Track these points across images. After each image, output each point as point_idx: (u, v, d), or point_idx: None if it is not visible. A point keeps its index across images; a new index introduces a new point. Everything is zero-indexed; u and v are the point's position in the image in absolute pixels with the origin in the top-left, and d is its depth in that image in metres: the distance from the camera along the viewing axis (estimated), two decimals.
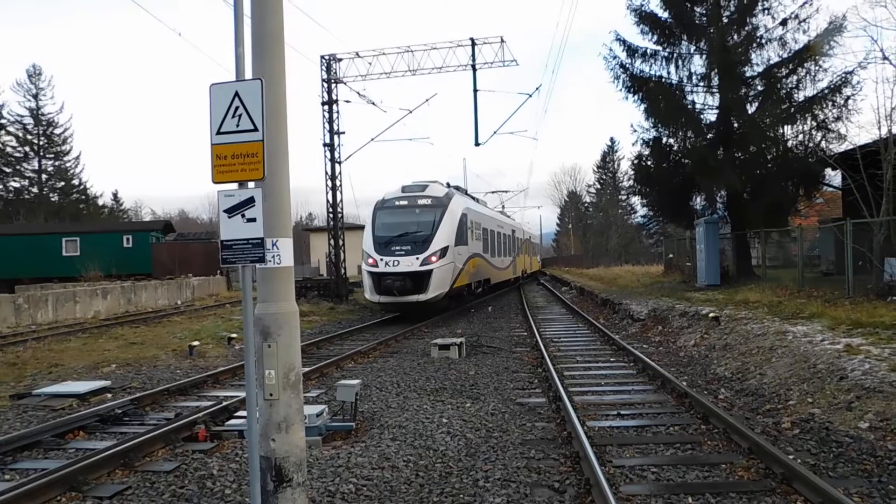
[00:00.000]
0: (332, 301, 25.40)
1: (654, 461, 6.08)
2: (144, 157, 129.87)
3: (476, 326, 18.18)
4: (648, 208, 28.29)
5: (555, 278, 46.84)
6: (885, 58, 20.74)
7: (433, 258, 19.57)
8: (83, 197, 62.40)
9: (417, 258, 19.38)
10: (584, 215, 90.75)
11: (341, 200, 26.79)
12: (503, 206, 52.95)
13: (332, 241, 26.94)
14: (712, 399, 8.31)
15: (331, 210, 26.77)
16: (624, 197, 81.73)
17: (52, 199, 60.67)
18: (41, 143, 60.17)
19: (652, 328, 15.29)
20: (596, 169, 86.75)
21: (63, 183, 61.20)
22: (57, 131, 60.52)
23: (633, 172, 25.77)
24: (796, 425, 6.90)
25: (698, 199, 24.14)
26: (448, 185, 24.32)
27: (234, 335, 15.66)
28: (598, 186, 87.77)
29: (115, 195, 72.61)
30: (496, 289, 30.75)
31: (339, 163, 26.53)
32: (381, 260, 19.43)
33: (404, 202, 20.91)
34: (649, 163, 23.85)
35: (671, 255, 32.98)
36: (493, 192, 53.72)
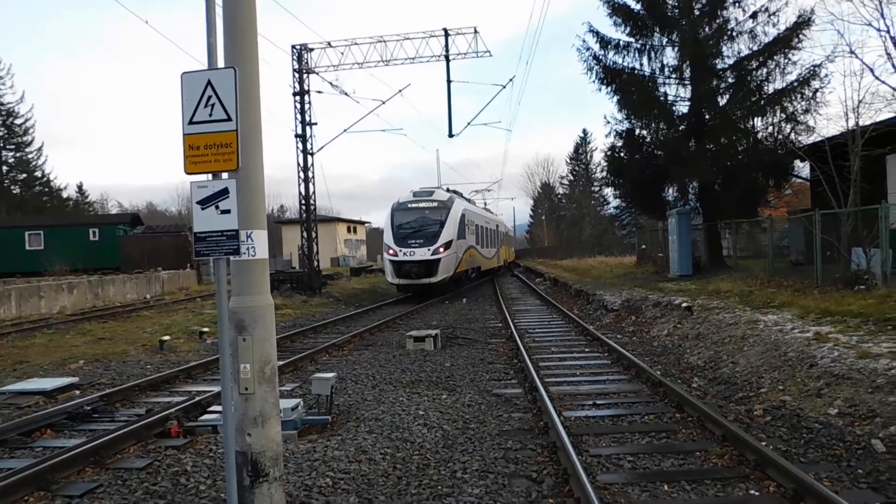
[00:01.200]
0: (305, 294, 25.28)
1: (630, 450, 6.16)
2: (110, 149, 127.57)
3: (451, 318, 18.29)
4: (621, 199, 28.57)
5: (529, 270, 47.12)
6: (851, 52, 21.20)
7: (441, 249, 24.88)
8: (46, 189, 61.05)
9: (429, 249, 24.71)
10: (557, 207, 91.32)
11: (313, 192, 26.62)
12: (486, 204, 55.21)
13: (304, 234, 26.76)
14: (686, 388, 8.43)
15: (303, 202, 26.57)
16: (597, 188, 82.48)
17: (14, 192, 59.27)
18: (1, 133, 58.68)
19: (626, 318, 15.47)
20: (569, 160, 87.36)
21: (25, 175, 59.82)
22: (17, 122, 59.07)
23: (606, 164, 26.00)
24: (768, 412, 7.04)
25: (671, 191, 24.46)
26: (448, 190, 30.72)
27: (205, 329, 15.50)
28: (572, 178, 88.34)
29: (79, 188, 71.16)
30: (485, 275, 36.56)
31: (312, 154, 26.32)
32: (401, 251, 24.74)
33: (416, 205, 26.35)
34: (622, 154, 24.06)
35: (644, 246, 33.38)
36: (474, 192, 54.68)
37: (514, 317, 17.63)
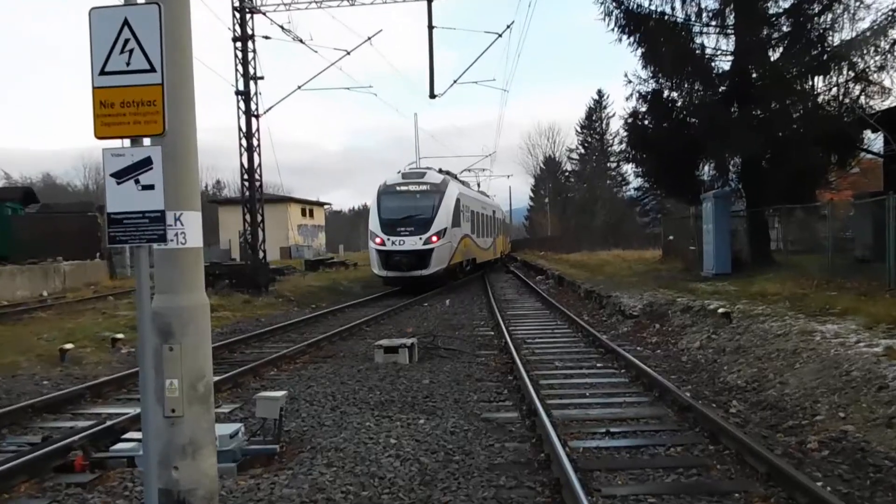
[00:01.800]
0: (247, 292, 25.21)
1: (653, 489, 6.23)
2: None
3: (431, 323, 18.39)
4: (644, 179, 28.73)
5: (527, 265, 47.28)
6: None
7: (434, 238, 27.40)
8: None
9: (420, 238, 27.21)
10: (564, 187, 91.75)
11: (259, 165, 26.52)
12: (479, 185, 57.24)
13: (247, 217, 26.65)
14: (722, 413, 8.53)
15: (246, 177, 26.45)
16: (614, 164, 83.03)
17: None
18: None
19: (647, 327, 15.60)
20: (579, 129, 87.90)
21: None
22: None
23: (625, 134, 26.14)
24: (825, 445, 7.14)
25: (706, 168, 24.64)
26: (441, 171, 32.88)
27: (119, 335, 15.42)
28: (582, 151, 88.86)
29: None
30: (480, 268, 39.20)
31: (257, 116, 26.20)
32: (388, 239, 27.33)
33: (405, 188, 28.85)
34: (646, 122, 24.19)
35: (671, 238, 33.61)
36: (466, 171, 55.32)
37: (508, 323, 17.75)
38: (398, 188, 29.07)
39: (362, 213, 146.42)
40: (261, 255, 26.83)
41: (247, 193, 26.69)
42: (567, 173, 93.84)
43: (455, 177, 37.03)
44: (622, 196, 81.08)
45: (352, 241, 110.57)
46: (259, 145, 26.34)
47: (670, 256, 31.15)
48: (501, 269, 47.35)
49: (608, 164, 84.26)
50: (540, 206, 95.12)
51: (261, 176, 26.68)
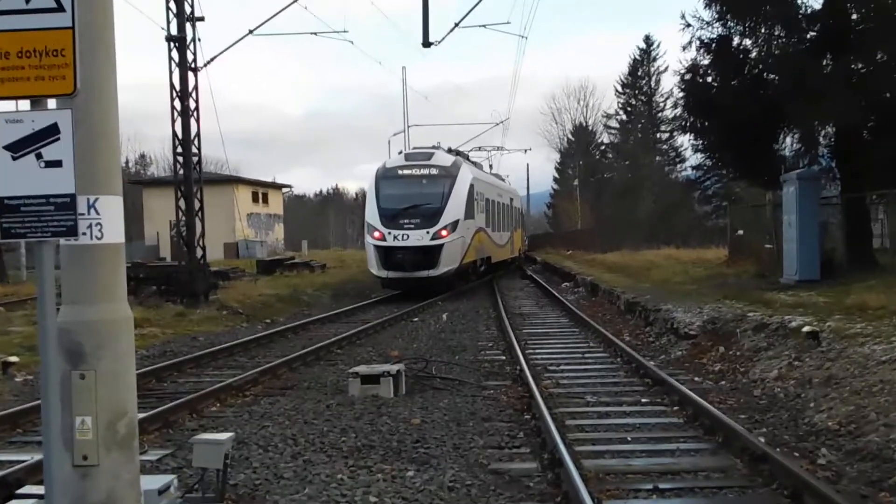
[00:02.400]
0: (182, 303, 25.18)
1: None
2: None
3: (422, 344, 18.42)
4: (705, 154, 28.66)
5: (550, 268, 47.24)
6: None
7: (443, 232, 29.48)
8: None
9: (427, 232, 29.30)
10: (599, 165, 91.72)
11: (198, 134, 26.42)
12: (491, 165, 58.27)
13: (181, 204, 26.57)
14: (808, 465, 8.53)
15: (180, 150, 26.38)
16: (665, 136, 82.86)
17: None
18: None
19: (708, 350, 15.60)
20: (620, 89, 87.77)
21: None
22: None
23: (681, 95, 26.09)
24: None
25: (788, 140, 24.62)
26: (450, 150, 35.63)
27: (13, 358, 15.39)
28: (624, 118, 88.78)
29: None
30: (494, 269, 41.27)
31: (195, 70, 26.12)
32: (389, 233, 29.47)
33: (409, 171, 31.22)
34: (710, 79, 24.16)
35: (740, 233, 33.58)
36: (475, 148, 55.68)
37: (525, 344, 17.78)
38: (401, 172, 31.19)
39: (332, 198, 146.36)
40: (199, 253, 26.72)
41: (181, 172, 26.59)
42: (603, 147, 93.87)
43: (467, 157, 39.51)
44: (676, 177, 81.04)
45: (319, 236, 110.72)
46: (198, 108, 26.25)
47: (739, 257, 31.06)
48: (516, 272, 47.28)
49: (658, 136, 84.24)
50: (567, 191, 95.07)
51: (199, 149, 26.57)
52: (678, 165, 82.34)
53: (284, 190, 78.82)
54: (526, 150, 74.58)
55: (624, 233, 65.61)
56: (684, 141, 72.72)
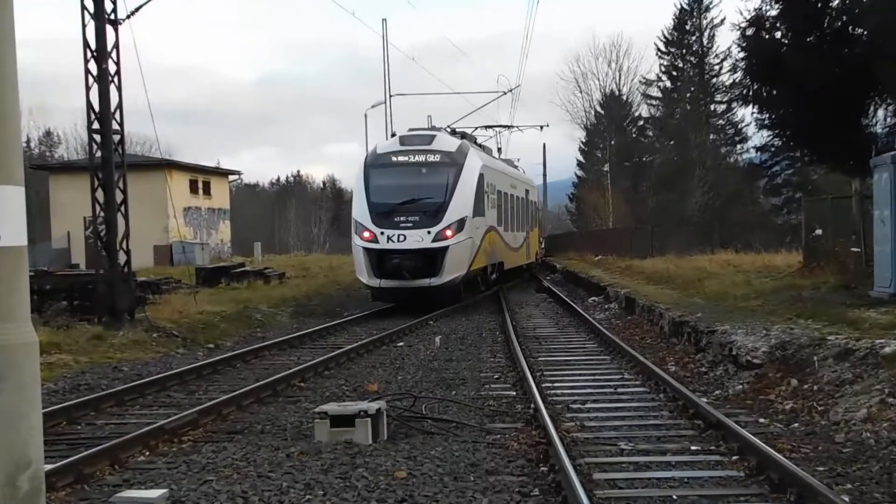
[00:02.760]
0: (100, 321, 25.09)
1: None
2: None
3: (409, 376, 18.47)
4: (773, 131, 28.66)
5: (572, 277, 47.36)
6: None
7: (448, 232, 30.53)
8: None
9: (429, 232, 30.37)
10: (635, 146, 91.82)
11: (120, 106, 26.29)
12: (500, 150, 58.68)
13: (100, 196, 26.45)
14: None
15: (97, 127, 26.25)
16: (721, 107, 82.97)
17: None
18: None
19: (777, 384, 15.51)
20: (663, 48, 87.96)
21: None
22: None
23: (741, 56, 26.06)
24: None
25: (881, 113, 24.60)
26: (454, 133, 37.63)
27: None
28: (668, 85, 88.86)
29: None
30: (507, 277, 43.37)
31: (116, 24, 26.01)
32: (382, 234, 30.57)
33: (405, 158, 32.39)
34: (779, 34, 24.16)
35: (818, 232, 33.51)
36: (465, 122, 55.55)
37: (541, 376, 17.79)
38: (395, 159, 32.42)
39: (294, 188, 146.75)
40: (122, 259, 26.61)
41: (98, 154, 26.47)
42: (641, 122, 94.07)
43: (475, 140, 41.01)
44: (735, 162, 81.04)
45: (277, 237, 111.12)
46: (119, 72, 26.09)
47: (817, 264, 31.02)
48: (529, 283, 47.46)
49: (712, 108, 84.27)
50: (595, 178, 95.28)
51: (122, 125, 26.44)
52: (738, 146, 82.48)
53: (232, 178, 79.04)
54: (542, 127, 73.15)
55: (669, 232, 65.32)
56: (746, 114, 73.01)
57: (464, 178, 31.54)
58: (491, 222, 35.86)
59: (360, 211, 31.56)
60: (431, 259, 29.95)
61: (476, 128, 53.39)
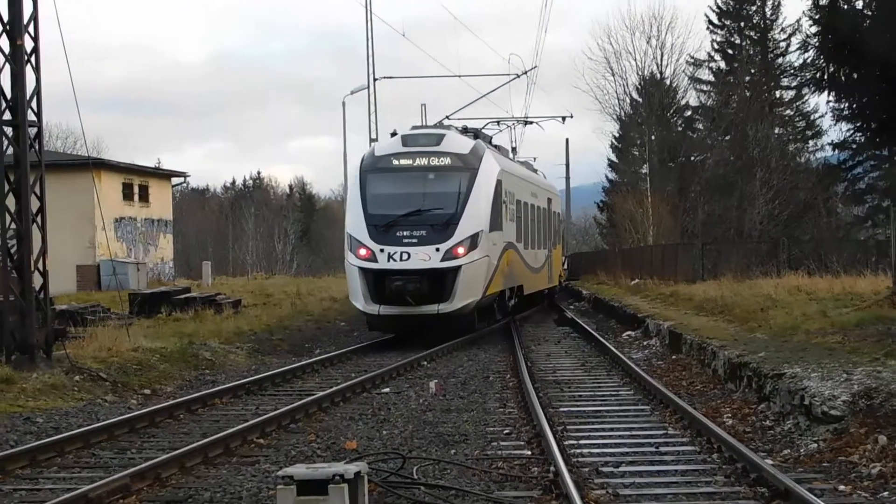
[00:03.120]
0: (8, 361, 25.04)
1: None
2: None
3: (397, 430, 18.49)
4: (855, 125, 28.66)
5: (602, 305, 47.44)
6: None
7: (460, 249, 31.47)
8: None
9: (437, 249, 31.35)
10: (682, 142, 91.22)
11: (38, 92, 26.33)
12: (513, 150, 59.65)
13: (10, 203, 26.47)
14: None
15: (9, 117, 26.29)
16: (790, 94, 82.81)
17: None
18: None
19: (862, 441, 15.44)
20: (717, 21, 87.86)
21: None
22: None
23: (816, 31, 26.11)
24: None
25: None
26: (466, 131, 38.93)
27: None
28: (722, 66, 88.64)
29: None
30: (526, 305, 45.29)
31: None
32: (381, 251, 31.52)
33: (409, 161, 33.43)
34: (861, 4, 24.20)
35: None
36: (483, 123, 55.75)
37: (563, 430, 17.79)
38: (396, 162, 33.61)
39: (252, 194, 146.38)
40: (37, 282, 26.62)
41: (9, 151, 26.52)
42: (689, 112, 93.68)
43: (490, 140, 42.36)
44: (806, 161, 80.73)
45: (232, 254, 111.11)
46: (38, 51, 26.19)
47: None
48: (548, 313, 47.39)
49: (775, 95, 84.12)
50: (630, 183, 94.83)
51: (40, 115, 26.51)
52: (810, 142, 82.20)
53: (175, 181, 78.77)
54: (564, 119, 72.83)
55: (724, 250, 65.10)
56: (820, 103, 72.83)
57: (479, 186, 32.41)
58: (509, 238, 36.77)
59: (354, 224, 32.44)
60: (440, 281, 30.89)
61: (486, 124, 53.73)
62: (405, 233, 31.31)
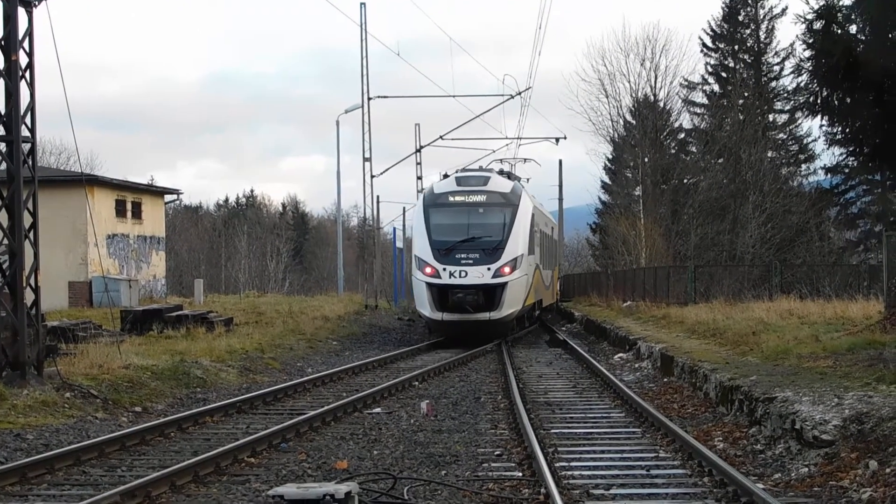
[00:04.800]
0: (0, 378, 25.01)
1: None
2: None
3: (388, 450, 18.56)
4: (848, 149, 28.67)
5: (594, 327, 47.53)
6: None
7: (506, 269, 40.02)
8: None
9: (489, 268, 39.90)
10: (675, 165, 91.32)
11: (32, 108, 26.31)
12: (513, 167, 62.80)
13: (3, 218, 26.43)
14: None
15: (2, 133, 26.27)
16: (783, 118, 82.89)
17: None
18: None
19: (851, 466, 15.49)
20: (710, 44, 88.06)
21: None
22: None
23: (809, 55, 26.13)
24: None
25: None
26: (502, 173, 47.61)
27: None
28: (716, 89, 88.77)
29: None
30: (543, 314, 56.08)
31: (31, 6, 26.09)
32: (444, 269, 40.09)
33: (463, 198, 42.32)
34: (855, 28, 24.23)
35: None
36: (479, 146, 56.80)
37: (554, 452, 17.86)
38: (453, 199, 42.53)
39: (246, 212, 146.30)
40: (29, 298, 26.57)
41: (2, 167, 26.48)
42: (683, 135, 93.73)
43: (519, 180, 50.34)
44: (799, 185, 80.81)
45: (225, 273, 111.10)
46: (32, 67, 26.19)
47: None
48: (539, 335, 47.72)
49: (769, 118, 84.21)
50: (623, 205, 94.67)
51: (34, 131, 26.48)
52: (803, 166, 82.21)
53: (169, 198, 78.70)
54: (557, 140, 73.49)
55: (716, 273, 65.01)
56: (813, 127, 72.95)
57: (519, 218, 40.95)
58: (537, 261, 45.62)
59: (421, 248, 41.16)
60: (491, 294, 39.53)
61: (491, 162, 58.21)
62: (462, 255, 39.66)
